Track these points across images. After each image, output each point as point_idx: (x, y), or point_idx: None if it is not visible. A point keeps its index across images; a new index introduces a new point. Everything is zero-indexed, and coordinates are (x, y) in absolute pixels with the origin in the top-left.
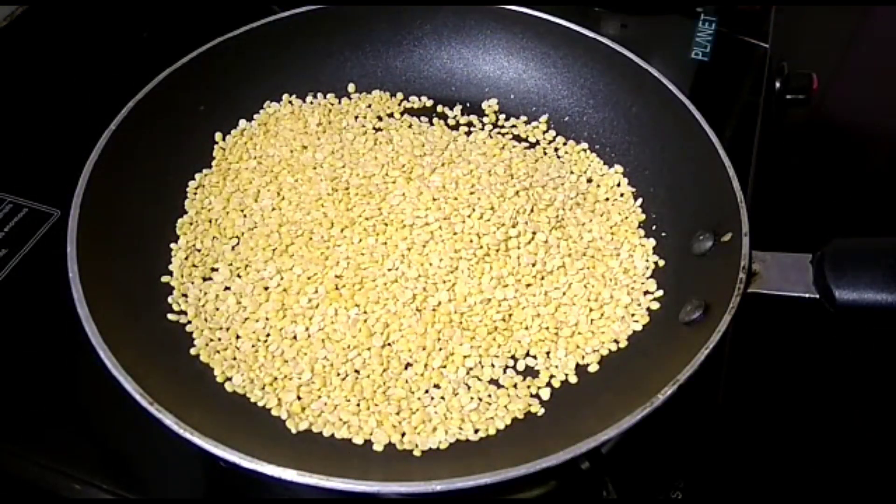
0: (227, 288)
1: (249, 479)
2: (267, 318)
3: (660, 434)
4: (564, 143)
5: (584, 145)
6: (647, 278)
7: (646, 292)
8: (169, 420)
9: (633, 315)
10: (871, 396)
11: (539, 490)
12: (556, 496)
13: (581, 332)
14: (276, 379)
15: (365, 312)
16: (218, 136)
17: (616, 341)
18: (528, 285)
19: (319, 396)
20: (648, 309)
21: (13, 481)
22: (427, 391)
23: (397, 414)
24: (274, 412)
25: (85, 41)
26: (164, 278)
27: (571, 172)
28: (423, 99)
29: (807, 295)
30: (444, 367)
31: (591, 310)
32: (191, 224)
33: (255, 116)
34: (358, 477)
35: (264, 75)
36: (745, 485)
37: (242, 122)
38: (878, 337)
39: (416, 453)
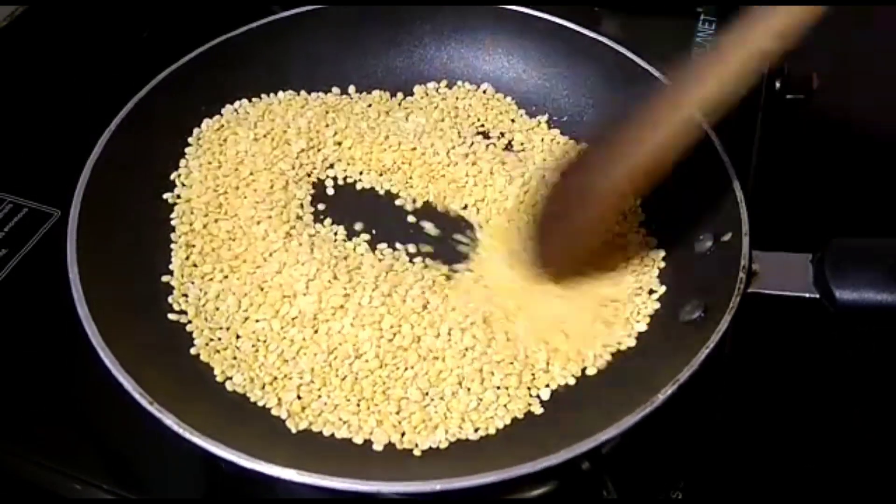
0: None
1: (249, 479)
2: (266, 318)
3: (660, 434)
4: (564, 143)
5: (584, 145)
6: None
7: (650, 291)
8: (169, 420)
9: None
10: (871, 397)
11: (539, 490)
12: (556, 496)
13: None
14: (276, 378)
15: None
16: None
17: (618, 342)
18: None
19: (319, 396)
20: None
21: (13, 481)
22: (427, 392)
23: (397, 413)
24: (274, 412)
25: (85, 41)
26: (165, 278)
27: None
28: None
29: (807, 295)
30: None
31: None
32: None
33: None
34: (358, 476)
35: (264, 75)
36: (745, 485)
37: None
38: (879, 337)
39: (416, 453)
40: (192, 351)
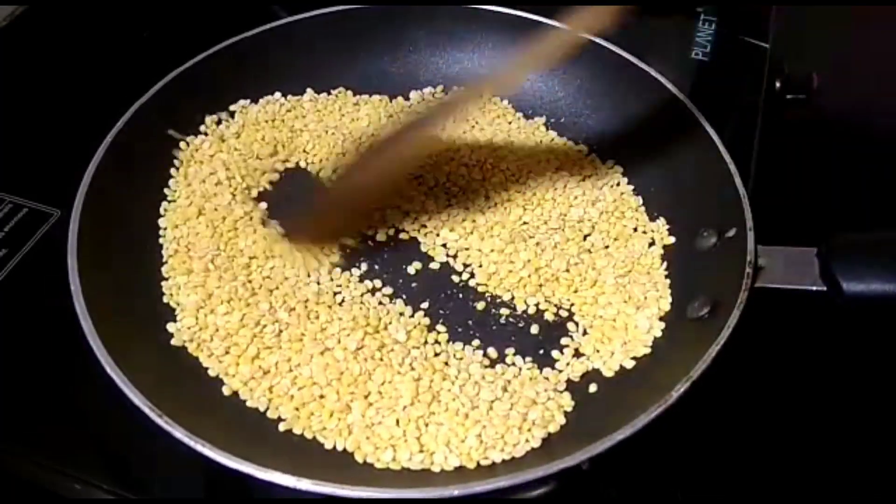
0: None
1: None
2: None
3: (662, 433)
4: (563, 144)
5: (583, 146)
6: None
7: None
8: (179, 433)
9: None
10: (881, 391)
11: (539, 490)
12: (557, 496)
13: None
14: (283, 389)
15: None
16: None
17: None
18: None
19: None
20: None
21: (13, 481)
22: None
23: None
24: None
25: (85, 41)
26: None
27: (571, 174)
28: None
29: (814, 288)
30: None
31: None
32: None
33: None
34: (369, 485)
35: (261, 81)
36: (748, 485)
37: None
38: (887, 331)
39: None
40: (192, 352)
